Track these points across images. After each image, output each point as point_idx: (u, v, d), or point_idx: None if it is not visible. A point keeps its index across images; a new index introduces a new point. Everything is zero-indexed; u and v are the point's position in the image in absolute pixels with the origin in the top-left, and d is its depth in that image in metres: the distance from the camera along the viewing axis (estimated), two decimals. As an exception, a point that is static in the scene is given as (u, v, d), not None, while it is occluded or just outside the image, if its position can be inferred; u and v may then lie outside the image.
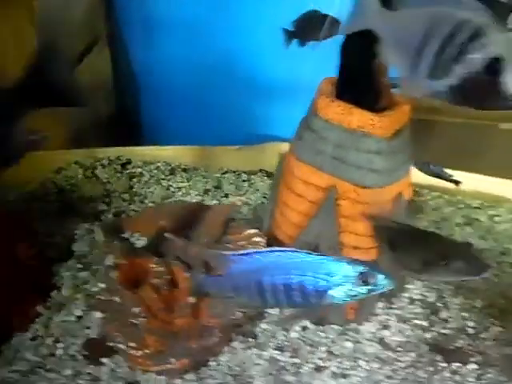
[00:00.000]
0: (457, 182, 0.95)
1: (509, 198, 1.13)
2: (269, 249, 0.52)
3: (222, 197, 1.06)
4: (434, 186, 1.15)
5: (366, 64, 0.67)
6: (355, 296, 0.48)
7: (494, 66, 0.45)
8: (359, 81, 0.69)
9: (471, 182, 1.14)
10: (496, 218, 1.06)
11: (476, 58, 0.46)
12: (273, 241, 0.79)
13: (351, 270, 0.47)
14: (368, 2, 0.55)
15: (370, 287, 0.47)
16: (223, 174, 1.16)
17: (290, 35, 0.86)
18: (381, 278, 0.47)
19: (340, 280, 0.47)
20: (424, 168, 0.94)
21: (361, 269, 0.47)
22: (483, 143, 1.17)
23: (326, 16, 0.77)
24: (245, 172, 1.17)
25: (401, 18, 0.53)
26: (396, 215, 0.73)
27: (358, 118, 0.67)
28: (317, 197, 0.72)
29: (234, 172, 1.17)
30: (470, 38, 0.46)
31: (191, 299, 0.58)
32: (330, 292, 0.48)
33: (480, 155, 1.17)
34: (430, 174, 0.96)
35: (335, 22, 0.73)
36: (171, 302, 0.60)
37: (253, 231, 0.66)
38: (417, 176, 1.14)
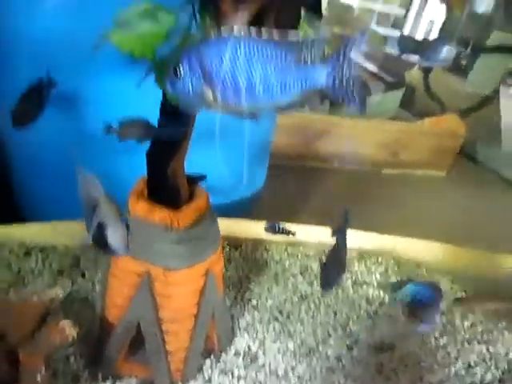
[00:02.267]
0: (293, 234, 1.12)
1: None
2: None
3: (78, 276, 1.13)
4: (282, 241, 1.33)
5: (163, 169, 0.82)
6: None
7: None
8: (161, 183, 0.83)
9: (313, 233, 1.34)
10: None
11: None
12: (104, 322, 0.89)
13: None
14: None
15: None
16: (84, 250, 1.22)
17: (110, 131, 0.90)
18: None
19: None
20: (271, 230, 1.10)
21: None
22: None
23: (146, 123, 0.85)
24: (106, 245, 1.25)
25: None
26: (209, 288, 0.87)
27: (158, 214, 0.81)
28: (135, 281, 0.84)
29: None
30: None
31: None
32: None
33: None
34: (276, 233, 1.12)
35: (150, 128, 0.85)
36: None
37: (66, 322, 0.75)
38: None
